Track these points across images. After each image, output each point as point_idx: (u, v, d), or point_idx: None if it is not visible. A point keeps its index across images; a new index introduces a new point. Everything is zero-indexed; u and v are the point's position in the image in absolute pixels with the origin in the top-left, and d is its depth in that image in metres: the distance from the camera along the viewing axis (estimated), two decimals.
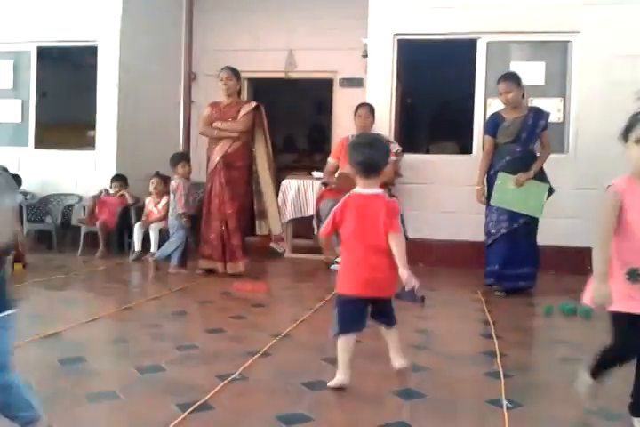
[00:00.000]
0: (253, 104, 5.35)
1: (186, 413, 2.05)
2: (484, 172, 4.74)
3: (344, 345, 2.41)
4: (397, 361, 2.50)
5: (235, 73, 5.29)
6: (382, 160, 2.54)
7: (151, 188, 6.10)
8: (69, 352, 2.74)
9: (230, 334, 3.17)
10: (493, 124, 4.72)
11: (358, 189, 2.52)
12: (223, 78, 5.23)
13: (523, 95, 4.68)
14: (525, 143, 4.59)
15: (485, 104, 5.99)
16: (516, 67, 5.95)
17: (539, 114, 4.64)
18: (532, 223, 4.58)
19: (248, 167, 5.29)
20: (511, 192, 4.52)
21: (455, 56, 6.12)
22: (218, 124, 5.18)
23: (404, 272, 2.35)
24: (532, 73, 5.92)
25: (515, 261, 4.53)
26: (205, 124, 5.26)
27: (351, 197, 2.51)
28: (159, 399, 2.20)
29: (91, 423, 2.01)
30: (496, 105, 5.94)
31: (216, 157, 5.13)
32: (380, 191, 2.54)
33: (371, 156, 2.48)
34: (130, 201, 6.28)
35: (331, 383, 2.36)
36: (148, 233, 5.94)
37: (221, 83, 5.25)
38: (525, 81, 5.89)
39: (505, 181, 4.54)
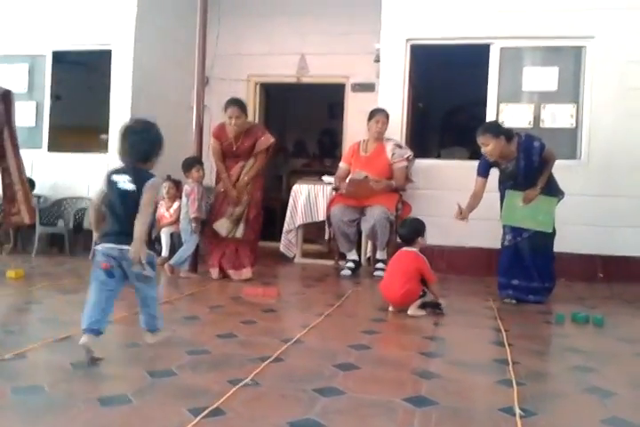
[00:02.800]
0: (270, 141, 5.24)
1: (198, 418, 2.05)
2: (471, 209, 4.59)
3: None
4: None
5: (242, 108, 5.13)
6: (413, 237, 4.14)
7: (163, 192, 6.12)
8: (82, 356, 2.74)
9: (241, 339, 3.17)
10: (486, 166, 4.60)
11: (405, 248, 4.14)
12: (232, 117, 5.04)
13: (510, 139, 4.40)
14: (527, 177, 4.48)
15: (498, 109, 5.99)
16: (529, 72, 5.96)
17: (529, 151, 4.40)
18: (538, 238, 4.48)
19: (260, 175, 5.32)
20: (520, 210, 4.49)
21: (468, 61, 6.12)
22: (244, 178, 5.17)
23: (442, 300, 4.07)
24: (545, 78, 5.92)
25: (521, 274, 4.49)
26: (219, 160, 5.22)
27: (401, 250, 4.16)
28: (171, 404, 2.20)
29: None
30: (508, 111, 5.94)
31: (229, 181, 5.17)
32: (414, 249, 4.08)
33: (405, 235, 4.20)
34: None
35: None
36: (159, 237, 5.96)
37: (229, 120, 5.07)
38: (538, 87, 5.93)
39: (513, 199, 4.52)
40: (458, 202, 4.54)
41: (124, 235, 2.64)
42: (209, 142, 5.43)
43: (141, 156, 2.77)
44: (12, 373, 2.52)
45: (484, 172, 4.64)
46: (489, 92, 6.03)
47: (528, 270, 4.49)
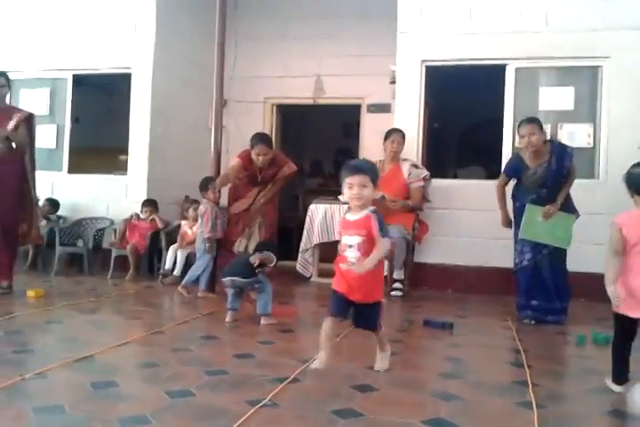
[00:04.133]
0: (293, 169, 5.52)
1: None
2: (502, 199, 4.80)
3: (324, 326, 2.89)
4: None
5: (269, 145, 5.34)
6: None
7: (191, 213, 6.10)
8: (101, 376, 2.77)
9: (259, 360, 3.17)
10: (514, 169, 4.69)
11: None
12: (260, 154, 5.24)
13: (544, 141, 4.55)
14: (552, 187, 4.53)
15: (514, 129, 5.98)
16: (545, 92, 5.97)
17: (562, 155, 4.51)
18: (556, 255, 4.49)
19: (275, 198, 5.58)
20: (539, 224, 4.50)
21: (483, 82, 6.14)
22: (260, 200, 5.43)
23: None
24: (561, 98, 5.92)
25: (540, 294, 4.47)
26: (233, 177, 5.40)
27: None
28: (190, 425, 2.21)
29: None
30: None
31: (245, 204, 5.41)
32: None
33: None
34: (160, 225, 6.36)
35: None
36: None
37: (257, 157, 5.26)
38: (555, 106, 5.93)
39: (533, 214, 4.53)
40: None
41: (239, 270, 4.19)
42: (230, 162, 5.57)
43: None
44: (32, 392, 2.54)
45: (510, 172, 4.75)
46: (505, 111, 6.04)
47: (547, 290, 4.47)
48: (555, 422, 2.35)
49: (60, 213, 6.92)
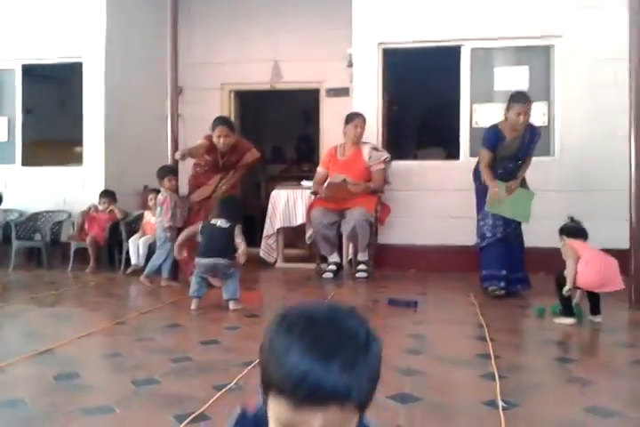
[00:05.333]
0: (256, 156, 5.46)
1: (183, 424, 2.05)
2: (491, 176, 4.69)
3: None
4: None
5: (231, 127, 5.21)
6: None
7: (151, 203, 5.99)
8: (63, 368, 2.73)
9: (225, 345, 3.16)
10: (494, 139, 4.70)
11: None
12: (221, 136, 5.10)
13: None
14: (519, 159, 4.73)
15: (471, 110, 6.05)
16: (500, 72, 6.03)
17: (533, 132, 4.71)
18: (518, 229, 4.75)
19: (237, 185, 5.50)
20: (503, 200, 4.62)
21: (440, 63, 6.18)
22: (222, 187, 5.31)
23: None
24: (515, 77, 5.99)
25: (512, 265, 4.64)
26: (200, 154, 5.27)
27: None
28: (156, 412, 2.19)
29: None
30: (481, 110, 6.02)
31: (207, 191, 5.31)
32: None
33: None
34: (119, 216, 6.25)
35: None
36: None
37: (217, 139, 5.12)
38: (510, 86, 5.99)
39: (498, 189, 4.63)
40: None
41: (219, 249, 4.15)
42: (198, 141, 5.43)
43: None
44: None
45: (491, 144, 4.69)
46: (461, 92, 6.08)
47: (516, 261, 4.66)
48: (516, 391, 2.41)
49: (15, 206, 6.73)
